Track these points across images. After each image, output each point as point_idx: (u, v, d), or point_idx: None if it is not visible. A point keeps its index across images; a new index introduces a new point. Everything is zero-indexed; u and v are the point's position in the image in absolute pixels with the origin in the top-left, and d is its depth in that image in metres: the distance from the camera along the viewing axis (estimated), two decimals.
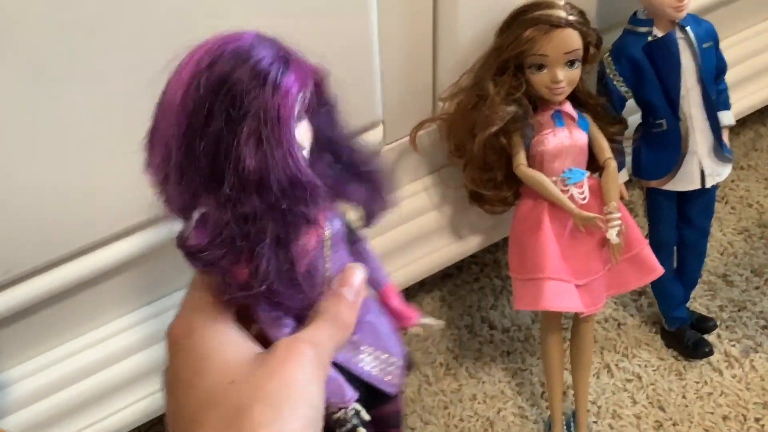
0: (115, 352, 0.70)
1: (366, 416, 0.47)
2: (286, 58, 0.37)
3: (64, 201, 0.61)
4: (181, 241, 0.38)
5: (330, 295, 0.42)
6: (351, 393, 0.46)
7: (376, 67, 0.70)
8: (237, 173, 0.36)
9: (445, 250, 0.85)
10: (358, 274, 0.44)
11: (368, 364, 0.48)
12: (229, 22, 0.57)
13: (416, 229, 0.83)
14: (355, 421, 0.46)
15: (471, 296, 0.96)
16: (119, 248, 0.66)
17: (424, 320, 0.52)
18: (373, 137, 0.75)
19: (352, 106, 0.70)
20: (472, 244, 0.86)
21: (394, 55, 0.71)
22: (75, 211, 0.61)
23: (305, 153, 0.40)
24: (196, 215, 0.39)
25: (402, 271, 0.83)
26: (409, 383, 0.88)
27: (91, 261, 0.65)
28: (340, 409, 0.46)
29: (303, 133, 0.39)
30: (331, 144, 0.42)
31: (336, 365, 0.46)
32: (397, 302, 0.50)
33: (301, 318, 0.42)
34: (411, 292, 0.95)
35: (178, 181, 0.37)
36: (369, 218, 0.46)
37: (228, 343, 0.38)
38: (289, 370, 0.37)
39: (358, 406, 0.47)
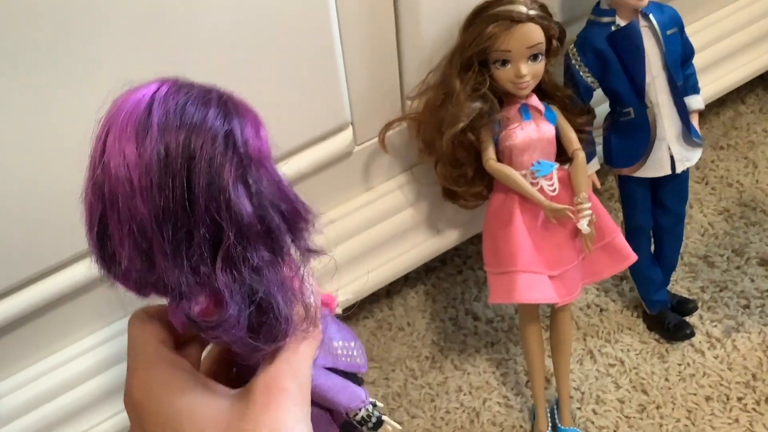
0: (93, 366, 0.71)
1: (380, 403, 0.49)
2: (225, 103, 0.36)
3: (43, 215, 0.61)
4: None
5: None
6: (363, 391, 0.48)
7: (341, 70, 0.71)
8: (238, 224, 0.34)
9: (423, 246, 0.86)
10: None
11: (356, 357, 0.49)
12: (193, 33, 0.59)
13: (393, 227, 0.83)
14: (376, 413, 0.48)
15: (455, 288, 0.97)
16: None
17: (342, 298, 0.52)
18: (342, 139, 0.75)
19: (319, 109, 0.72)
20: (450, 238, 0.87)
21: (358, 56, 0.72)
22: (55, 225, 0.62)
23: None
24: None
25: (381, 269, 0.84)
26: (395, 378, 0.89)
27: (70, 275, 0.66)
28: (360, 408, 0.48)
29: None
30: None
31: (337, 370, 0.47)
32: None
33: None
34: (395, 287, 0.96)
35: (173, 262, 0.34)
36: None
37: (196, 403, 0.35)
38: (273, 416, 0.34)
39: (372, 399, 0.48)
